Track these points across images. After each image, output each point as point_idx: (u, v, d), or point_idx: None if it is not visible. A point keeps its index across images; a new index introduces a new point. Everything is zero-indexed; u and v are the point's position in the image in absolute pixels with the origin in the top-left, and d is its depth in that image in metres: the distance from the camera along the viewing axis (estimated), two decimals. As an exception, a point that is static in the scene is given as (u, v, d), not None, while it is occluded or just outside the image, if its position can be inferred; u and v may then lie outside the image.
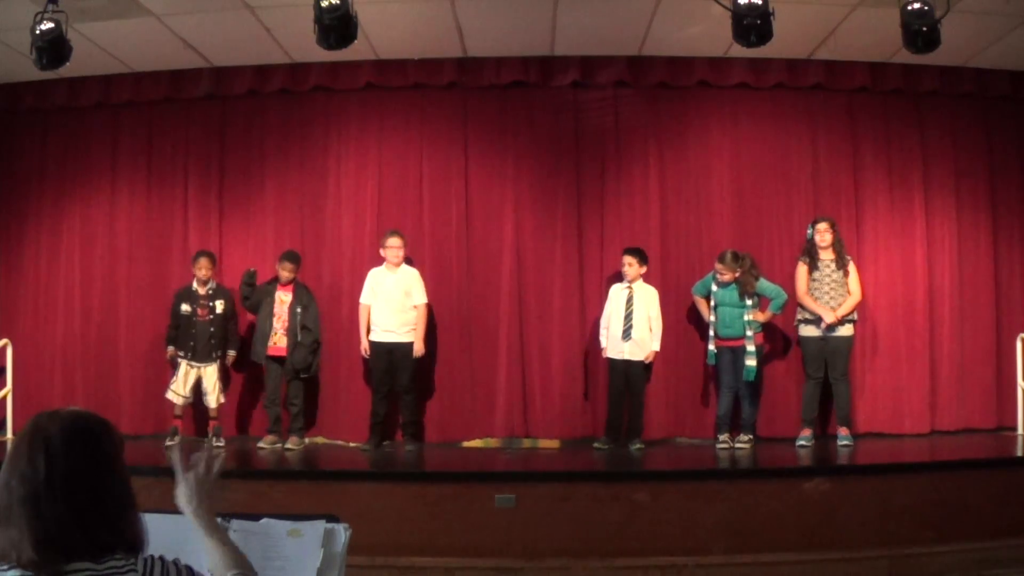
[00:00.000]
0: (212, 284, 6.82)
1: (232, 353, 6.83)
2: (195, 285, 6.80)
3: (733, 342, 6.58)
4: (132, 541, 1.48)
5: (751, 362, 6.49)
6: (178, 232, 7.38)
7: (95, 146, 7.49)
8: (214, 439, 6.75)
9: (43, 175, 7.52)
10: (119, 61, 6.97)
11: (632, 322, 6.54)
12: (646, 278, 6.74)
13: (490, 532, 5.12)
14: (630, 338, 6.53)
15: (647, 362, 6.61)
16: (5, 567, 1.38)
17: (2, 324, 7.38)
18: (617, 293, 6.67)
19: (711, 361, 6.68)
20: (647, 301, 6.61)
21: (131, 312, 7.30)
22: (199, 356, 6.71)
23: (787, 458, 6.22)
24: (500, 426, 7.05)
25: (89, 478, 1.45)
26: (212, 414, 6.83)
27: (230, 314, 6.82)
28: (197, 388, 6.75)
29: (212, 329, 6.72)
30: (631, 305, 6.58)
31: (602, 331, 6.72)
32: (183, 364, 6.72)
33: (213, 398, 6.74)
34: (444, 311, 7.10)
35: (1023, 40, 6.48)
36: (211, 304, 6.75)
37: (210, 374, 6.73)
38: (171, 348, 6.79)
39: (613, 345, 6.60)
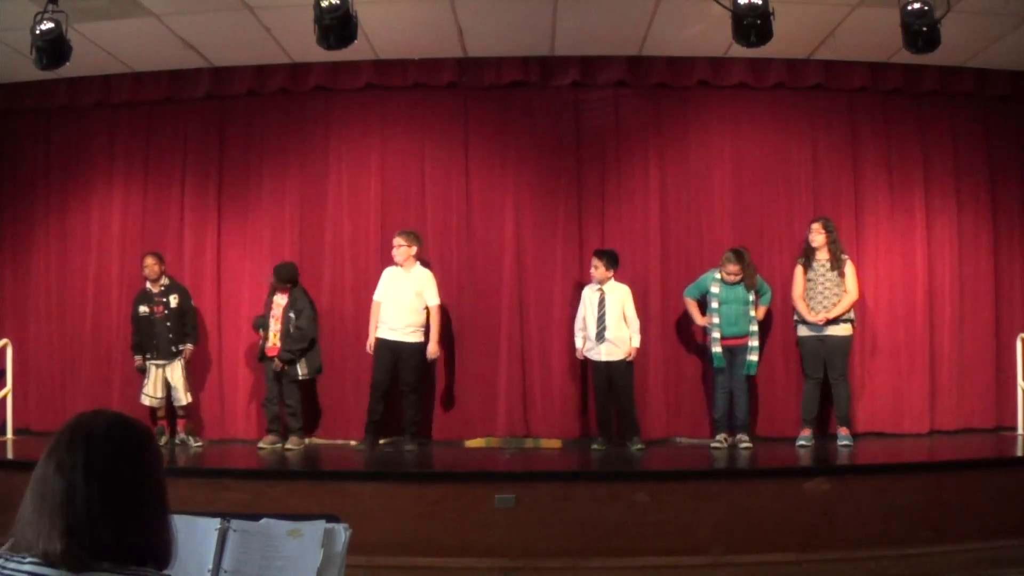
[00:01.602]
0: (164, 280, 6.85)
1: (189, 347, 6.81)
2: (148, 285, 6.84)
3: (737, 340, 6.56)
4: (160, 551, 1.47)
5: (753, 357, 6.51)
6: (174, 232, 7.36)
7: (95, 146, 7.48)
8: (189, 438, 6.77)
9: (48, 175, 7.52)
10: (119, 61, 6.97)
11: (606, 323, 6.52)
12: (644, 277, 6.75)
13: (490, 532, 5.12)
14: (604, 339, 6.52)
15: (628, 360, 6.58)
16: (25, 557, 1.37)
17: (7, 324, 7.39)
18: (589, 295, 6.66)
19: (719, 364, 6.57)
20: (620, 300, 6.58)
21: (125, 313, 7.25)
22: (162, 354, 6.73)
23: (787, 458, 6.23)
24: (502, 426, 7.05)
25: (127, 477, 1.44)
26: (180, 412, 6.84)
27: (186, 308, 6.83)
28: (168, 388, 6.77)
29: (168, 324, 6.74)
30: (603, 307, 6.55)
31: (577, 334, 6.70)
32: (151, 366, 6.74)
33: (181, 396, 6.75)
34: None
35: (1023, 40, 6.48)
36: (165, 300, 6.78)
37: (174, 371, 6.74)
38: (138, 357, 6.82)
39: (590, 347, 6.60)
